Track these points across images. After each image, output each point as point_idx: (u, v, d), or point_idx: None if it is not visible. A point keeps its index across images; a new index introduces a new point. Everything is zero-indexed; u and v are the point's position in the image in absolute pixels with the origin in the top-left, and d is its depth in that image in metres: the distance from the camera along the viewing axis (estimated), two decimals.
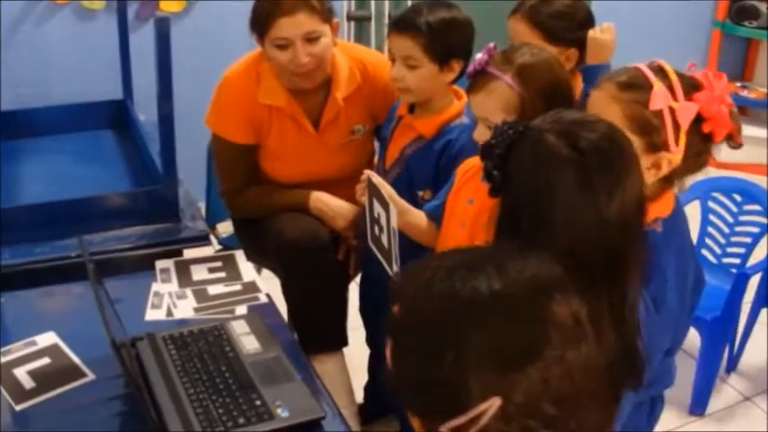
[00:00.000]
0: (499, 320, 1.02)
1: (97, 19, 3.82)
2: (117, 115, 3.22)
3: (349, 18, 4.29)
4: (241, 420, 1.69)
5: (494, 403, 1.00)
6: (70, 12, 3.80)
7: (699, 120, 1.65)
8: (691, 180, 1.86)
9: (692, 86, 1.66)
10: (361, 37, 4.36)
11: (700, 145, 1.69)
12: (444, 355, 1.02)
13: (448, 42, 2.26)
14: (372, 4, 4.32)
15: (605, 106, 1.66)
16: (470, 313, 1.03)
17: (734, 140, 1.72)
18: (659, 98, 1.63)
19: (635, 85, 1.66)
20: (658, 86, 1.64)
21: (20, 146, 2.99)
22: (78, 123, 3.15)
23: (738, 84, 5.22)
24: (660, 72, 1.68)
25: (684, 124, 1.63)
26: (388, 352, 1.10)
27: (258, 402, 1.74)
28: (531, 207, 1.39)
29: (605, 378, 1.08)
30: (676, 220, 1.75)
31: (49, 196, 2.51)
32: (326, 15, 2.44)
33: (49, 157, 2.97)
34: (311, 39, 2.40)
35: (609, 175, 1.39)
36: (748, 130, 1.62)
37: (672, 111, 1.63)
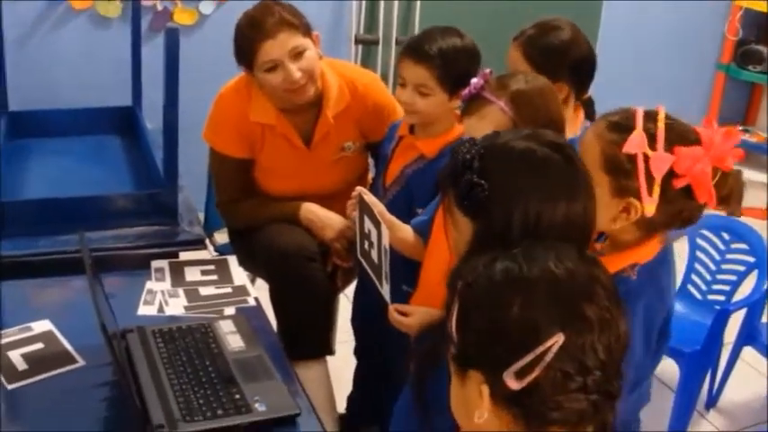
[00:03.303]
0: (559, 271, 1.17)
1: (111, 27, 3.93)
2: (125, 121, 3.29)
3: (357, 41, 4.37)
4: (220, 412, 1.77)
5: (558, 339, 1.11)
6: (86, 18, 3.91)
7: (675, 174, 1.61)
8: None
9: (683, 139, 1.63)
10: (369, 60, 4.44)
11: (681, 202, 1.65)
12: (514, 301, 1.14)
13: (460, 72, 2.29)
14: (380, 27, 4.40)
15: (590, 143, 1.68)
16: (536, 268, 1.17)
17: (728, 206, 1.69)
18: (634, 143, 1.60)
19: (621, 127, 1.65)
20: (638, 132, 1.61)
21: (28, 145, 3.07)
22: (87, 127, 3.23)
23: (740, 128, 5.26)
24: (651, 118, 1.64)
25: (657, 175, 1.60)
26: (453, 318, 1.21)
27: (237, 396, 1.82)
28: (525, 210, 1.41)
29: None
30: (658, 266, 1.73)
31: (54, 194, 2.58)
32: (305, 29, 2.50)
33: (56, 157, 3.04)
34: (297, 54, 2.47)
35: (584, 170, 1.47)
36: (748, 174, 1.67)
37: (646, 159, 1.60)
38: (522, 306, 1.13)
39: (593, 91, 2.60)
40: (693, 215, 1.69)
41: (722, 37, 5.17)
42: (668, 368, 3.09)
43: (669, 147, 1.61)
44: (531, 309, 1.13)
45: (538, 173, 1.43)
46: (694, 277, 3.39)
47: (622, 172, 1.62)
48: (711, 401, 3.39)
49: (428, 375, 1.56)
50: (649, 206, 1.61)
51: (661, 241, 1.73)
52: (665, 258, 1.76)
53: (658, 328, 1.75)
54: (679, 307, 3.18)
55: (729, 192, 1.67)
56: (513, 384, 1.12)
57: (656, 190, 1.60)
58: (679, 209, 1.66)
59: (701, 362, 3.10)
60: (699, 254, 3.40)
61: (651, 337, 1.73)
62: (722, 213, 1.79)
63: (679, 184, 1.61)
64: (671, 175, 1.61)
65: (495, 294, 1.17)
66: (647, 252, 1.72)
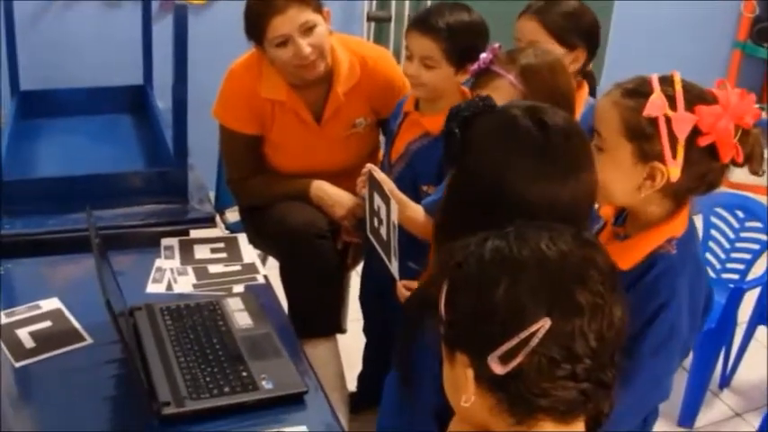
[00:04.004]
0: (551, 253, 1.13)
1: (123, 7, 3.92)
2: (136, 100, 3.30)
3: (369, 18, 4.34)
4: (226, 389, 1.77)
5: (544, 323, 1.07)
6: None
7: (698, 133, 1.57)
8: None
9: (701, 99, 1.60)
10: (381, 37, 4.42)
11: (705, 163, 1.61)
12: (500, 281, 1.10)
13: (466, 46, 2.29)
14: (392, 5, 4.38)
15: (607, 111, 1.65)
16: (526, 248, 1.13)
17: (751, 165, 1.63)
18: (655, 105, 1.57)
19: (637, 92, 1.62)
20: (657, 94, 1.58)
21: (39, 124, 3.08)
22: (98, 106, 3.24)
23: (756, 105, 5.21)
24: (667, 81, 1.62)
25: (681, 136, 1.56)
26: (441, 297, 1.18)
27: (244, 374, 1.82)
28: (489, 173, 1.43)
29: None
30: (690, 238, 1.70)
31: (64, 172, 2.59)
32: (316, 5, 2.49)
33: (67, 136, 3.05)
34: (307, 29, 2.45)
35: (567, 156, 1.45)
36: None
37: (668, 120, 1.57)
38: (509, 287, 1.10)
39: (607, 69, 2.58)
40: (717, 177, 1.65)
41: (738, 14, 5.12)
42: None
43: (689, 107, 1.58)
44: (518, 290, 1.10)
45: (511, 145, 1.44)
46: (708, 255, 3.36)
47: (644, 137, 1.59)
48: (725, 381, 3.37)
49: (410, 345, 1.54)
50: (674, 169, 1.58)
51: (689, 212, 1.71)
52: (692, 232, 1.73)
53: (703, 305, 1.72)
54: None
55: (751, 150, 1.63)
56: (498, 369, 1.09)
57: (680, 152, 1.58)
58: (703, 171, 1.62)
59: (715, 341, 3.09)
60: (713, 232, 3.38)
61: (696, 314, 1.70)
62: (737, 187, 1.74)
63: (704, 142, 1.58)
64: (694, 135, 1.58)
65: (483, 274, 1.13)
66: (680, 224, 1.68)
